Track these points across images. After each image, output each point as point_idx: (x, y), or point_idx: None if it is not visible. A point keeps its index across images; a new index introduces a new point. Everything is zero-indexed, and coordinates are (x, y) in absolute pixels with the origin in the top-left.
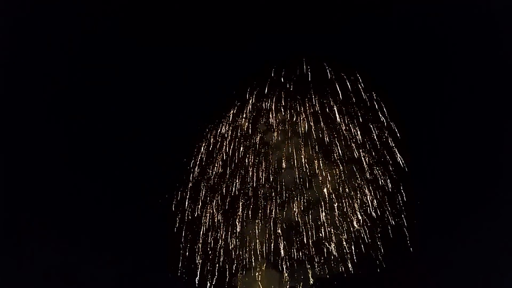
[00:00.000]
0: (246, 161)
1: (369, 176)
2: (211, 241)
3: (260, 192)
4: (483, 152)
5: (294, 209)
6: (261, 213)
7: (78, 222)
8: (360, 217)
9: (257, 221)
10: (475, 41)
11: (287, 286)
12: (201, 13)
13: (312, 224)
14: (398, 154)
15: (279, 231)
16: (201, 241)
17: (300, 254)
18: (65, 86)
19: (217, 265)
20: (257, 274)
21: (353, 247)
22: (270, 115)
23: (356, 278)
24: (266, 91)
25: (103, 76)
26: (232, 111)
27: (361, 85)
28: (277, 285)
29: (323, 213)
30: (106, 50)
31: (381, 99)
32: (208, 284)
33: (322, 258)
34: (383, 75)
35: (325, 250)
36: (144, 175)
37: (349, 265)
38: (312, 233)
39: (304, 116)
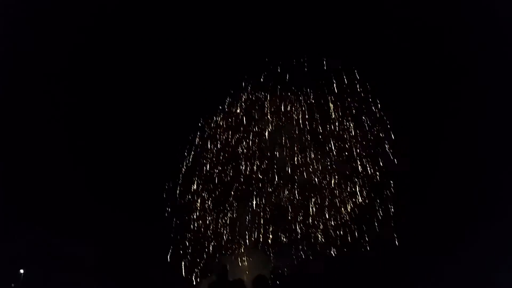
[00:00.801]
0: (240, 148)
1: (359, 167)
2: (200, 225)
3: (252, 179)
4: (475, 146)
5: (284, 195)
6: (251, 199)
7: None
8: (348, 206)
9: (247, 207)
10: (475, 37)
11: (271, 265)
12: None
13: (301, 211)
14: (388, 146)
15: (268, 216)
16: (191, 227)
17: (287, 238)
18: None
19: (206, 249)
20: (244, 258)
21: (340, 232)
22: (265, 104)
23: (340, 260)
24: (262, 79)
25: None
26: (227, 100)
27: (356, 77)
28: (263, 266)
29: (312, 200)
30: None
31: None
32: (196, 271)
33: (309, 242)
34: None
35: (312, 235)
36: (136, 162)
37: (333, 249)
38: (300, 219)
39: (298, 106)
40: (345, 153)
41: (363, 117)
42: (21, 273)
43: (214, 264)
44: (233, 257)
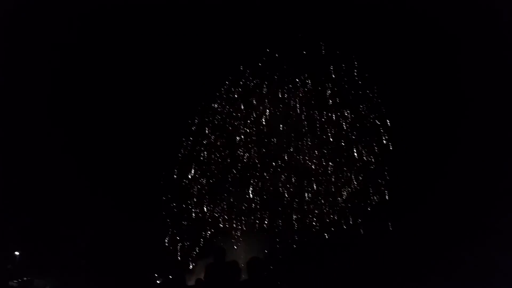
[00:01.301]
0: (237, 135)
1: (356, 155)
2: (197, 210)
3: (249, 164)
4: (471, 133)
5: (280, 181)
6: (248, 184)
7: None
8: (344, 193)
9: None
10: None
11: (266, 250)
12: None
13: (296, 196)
14: (383, 133)
15: (264, 201)
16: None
17: (283, 223)
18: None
19: (203, 233)
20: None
21: (334, 217)
22: (263, 90)
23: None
24: (260, 65)
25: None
26: (225, 86)
27: (355, 64)
28: (258, 250)
29: (309, 187)
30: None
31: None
32: (193, 254)
33: (304, 227)
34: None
35: (307, 220)
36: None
37: (327, 234)
38: (295, 204)
39: (296, 93)
40: (341, 140)
41: (360, 105)
42: (16, 255)
43: (211, 247)
44: (229, 241)
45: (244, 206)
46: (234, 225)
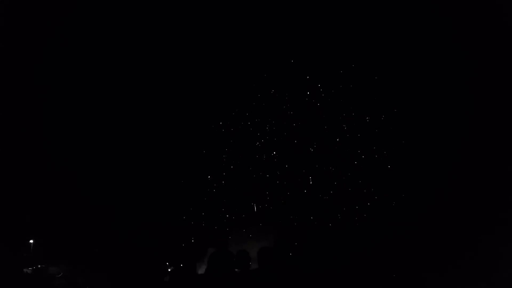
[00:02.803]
0: (249, 123)
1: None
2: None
3: (262, 152)
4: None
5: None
6: (261, 172)
7: None
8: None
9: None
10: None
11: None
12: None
13: (310, 185)
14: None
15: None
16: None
17: (296, 211)
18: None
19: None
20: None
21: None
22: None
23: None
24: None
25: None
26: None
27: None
28: (267, 238)
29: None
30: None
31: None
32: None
33: (316, 216)
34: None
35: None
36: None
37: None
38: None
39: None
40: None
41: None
42: (31, 243)
43: (218, 236)
44: (240, 230)
45: (256, 195)
46: (241, 212)
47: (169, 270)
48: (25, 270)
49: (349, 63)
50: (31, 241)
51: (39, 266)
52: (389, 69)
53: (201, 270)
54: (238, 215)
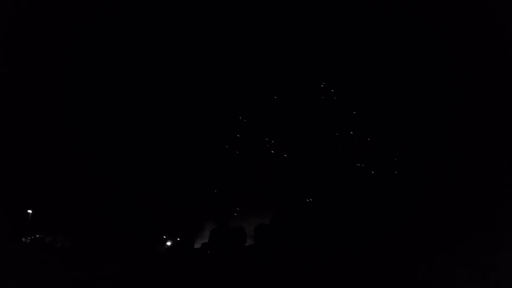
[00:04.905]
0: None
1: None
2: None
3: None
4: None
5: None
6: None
7: None
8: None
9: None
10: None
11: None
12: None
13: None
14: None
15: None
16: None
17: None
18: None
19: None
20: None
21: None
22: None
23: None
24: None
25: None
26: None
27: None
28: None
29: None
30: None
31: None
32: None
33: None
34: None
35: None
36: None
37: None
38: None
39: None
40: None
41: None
42: (29, 213)
43: (217, 212)
44: (237, 207)
45: (254, 172)
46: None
47: (167, 243)
48: (23, 239)
49: (349, 63)
50: (29, 211)
51: (37, 236)
52: (388, 68)
53: (197, 245)
54: (240, 190)
